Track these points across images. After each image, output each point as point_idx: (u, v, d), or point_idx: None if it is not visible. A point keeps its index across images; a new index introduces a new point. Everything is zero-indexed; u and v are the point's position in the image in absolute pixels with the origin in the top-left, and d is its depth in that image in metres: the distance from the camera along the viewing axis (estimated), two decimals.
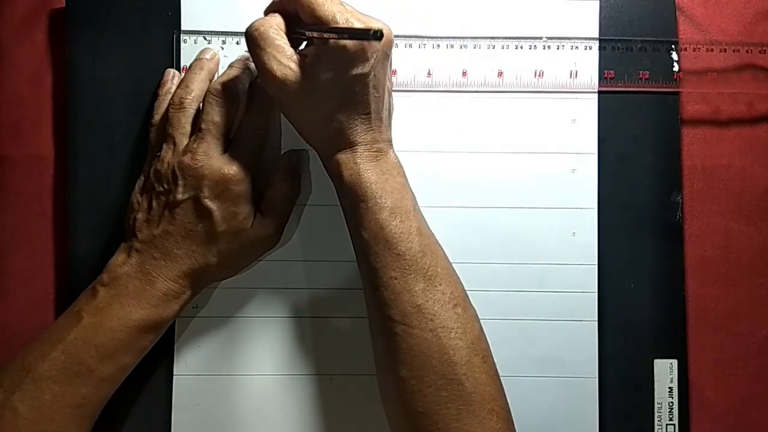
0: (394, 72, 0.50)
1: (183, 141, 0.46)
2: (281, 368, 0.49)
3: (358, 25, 0.41)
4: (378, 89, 0.43)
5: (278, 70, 0.42)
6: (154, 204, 0.45)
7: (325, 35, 0.41)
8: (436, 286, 0.43)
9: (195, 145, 0.45)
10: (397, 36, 0.49)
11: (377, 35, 0.39)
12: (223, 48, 0.49)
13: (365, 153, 0.44)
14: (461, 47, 0.50)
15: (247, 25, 0.44)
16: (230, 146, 0.46)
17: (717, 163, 0.51)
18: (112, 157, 0.49)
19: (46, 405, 0.42)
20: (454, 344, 0.42)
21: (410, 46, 0.50)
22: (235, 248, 0.46)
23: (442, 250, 0.45)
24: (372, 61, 0.42)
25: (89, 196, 0.49)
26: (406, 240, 0.43)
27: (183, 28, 0.49)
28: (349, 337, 0.49)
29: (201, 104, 0.46)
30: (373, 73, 0.42)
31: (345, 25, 0.41)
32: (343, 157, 0.44)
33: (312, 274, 0.49)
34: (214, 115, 0.45)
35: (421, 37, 0.50)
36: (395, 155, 0.45)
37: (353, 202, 0.43)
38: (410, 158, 0.50)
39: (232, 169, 0.45)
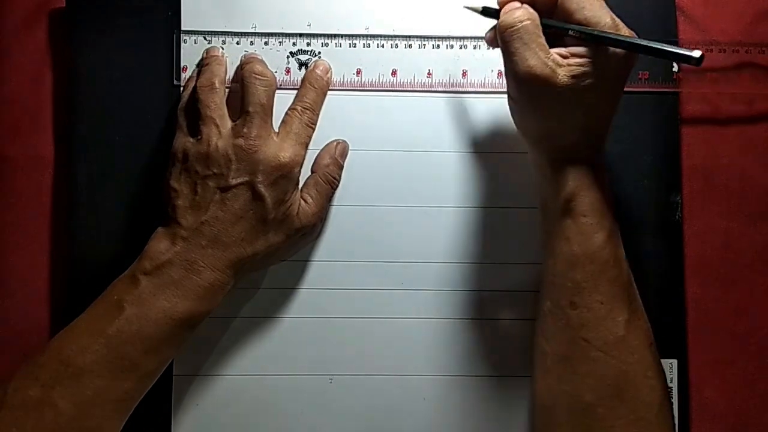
0: (394, 72, 0.50)
1: (226, 123, 0.45)
2: (281, 368, 0.49)
3: (625, 32, 0.41)
4: (617, 107, 0.43)
5: (540, 70, 0.40)
6: (199, 189, 0.44)
7: (614, 42, 0.40)
8: (637, 321, 0.43)
9: (246, 129, 0.44)
10: (397, 36, 0.50)
11: (701, 60, 0.38)
12: (223, 48, 0.49)
13: (596, 170, 0.43)
14: (461, 47, 0.50)
15: (504, 16, 0.42)
16: (281, 133, 0.46)
17: (717, 163, 0.51)
18: (112, 157, 0.49)
19: (87, 400, 0.40)
20: (651, 384, 0.42)
21: (410, 46, 0.50)
22: (281, 237, 0.45)
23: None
24: (627, 77, 0.42)
25: (89, 196, 0.49)
26: (619, 266, 0.43)
27: (183, 28, 0.49)
28: (351, 337, 0.49)
29: (230, 89, 0.47)
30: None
31: (615, 31, 0.40)
32: (572, 167, 0.43)
33: (312, 274, 0.49)
34: (261, 96, 0.45)
35: (421, 37, 0.50)
36: (610, 178, 0.44)
37: (571, 214, 0.42)
38: (412, 158, 0.50)
39: (286, 155, 0.44)
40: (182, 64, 0.49)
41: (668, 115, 0.51)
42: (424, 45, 0.50)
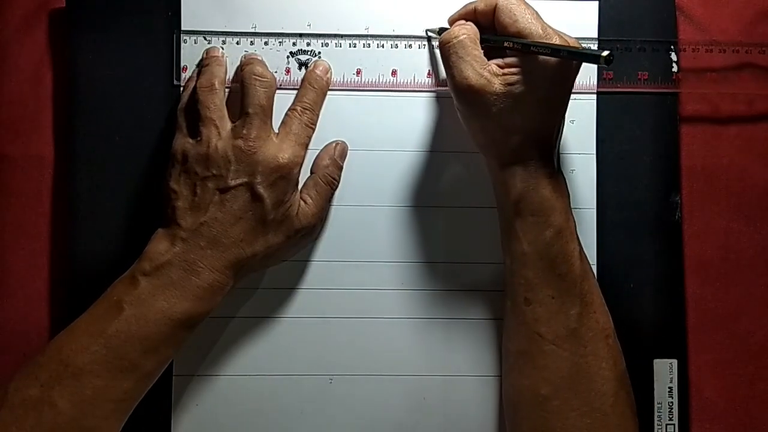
0: (394, 72, 0.50)
1: (225, 124, 0.45)
2: (281, 368, 0.49)
3: (556, 40, 0.42)
4: (562, 110, 0.44)
5: (475, 80, 0.43)
6: (199, 190, 0.44)
7: (540, 50, 0.42)
8: (590, 314, 0.44)
9: (245, 130, 0.44)
10: (397, 36, 0.50)
11: (609, 59, 0.39)
12: (223, 48, 0.49)
13: (542, 169, 0.44)
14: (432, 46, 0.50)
15: (443, 34, 0.45)
16: (280, 134, 0.46)
17: (717, 163, 0.51)
18: (112, 157, 0.49)
19: (86, 400, 0.40)
20: (605, 374, 0.43)
21: (410, 46, 0.50)
22: (280, 238, 0.45)
23: (595, 279, 0.46)
24: (571, 81, 0.43)
25: (89, 196, 0.49)
26: (569, 262, 0.44)
27: (183, 28, 0.49)
28: (351, 337, 0.49)
29: (230, 90, 0.47)
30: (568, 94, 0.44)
31: (546, 40, 0.42)
32: (519, 169, 0.44)
33: (312, 274, 0.49)
34: (261, 97, 0.45)
35: (421, 37, 0.50)
36: (563, 176, 0.46)
37: (521, 214, 0.44)
38: (412, 158, 0.50)
39: (285, 156, 0.44)
40: (182, 65, 0.49)
41: (668, 115, 0.51)
42: (424, 45, 0.50)
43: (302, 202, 0.46)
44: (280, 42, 0.49)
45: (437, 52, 0.49)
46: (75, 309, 0.44)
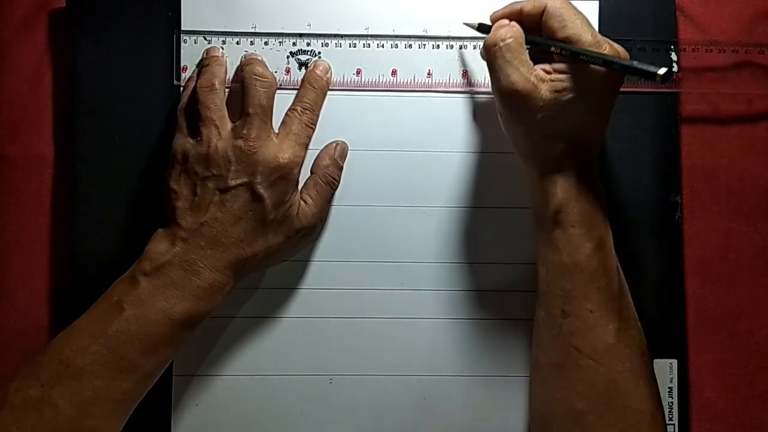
0: (394, 72, 0.50)
1: (225, 124, 0.45)
2: (281, 368, 0.49)
3: (606, 49, 0.42)
4: (606, 120, 0.44)
5: (522, 85, 0.42)
6: (199, 190, 0.44)
7: (591, 59, 0.41)
8: (628, 330, 0.43)
9: (246, 130, 0.44)
10: (397, 36, 0.50)
11: (666, 77, 0.39)
12: (223, 48, 0.49)
13: (583, 179, 0.43)
14: (461, 47, 0.50)
15: (490, 34, 0.44)
16: (280, 134, 0.46)
17: (717, 163, 0.51)
18: (112, 157, 0.49)
19: (86, 400, 0.40)
20: (642, 392, 0.42)
21: (410, 46, 0.50)
22: (281, 238, 0.45)
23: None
24: (617, 91, 0.43)
25: (89, 196, 0.49)
26: (608, 276, 0.43)
27: (183, 28, 0.49)
28: (351, 337, 0.49)
29: (230, 89, 0.47)
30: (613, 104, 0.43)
31: (596, 48, 0.41)
32: (560, 178, 0.43)
33: (312, 274, 0.49)
34: (261, 98, 0.45)
35: (421, 37, 0.50)
36: (602, 188, 0.45)
37: (561, 224, 0.43)
38: (412, 158, 0.50)
39: (286, 156, 0.44)
40: (182, 64, 0.49)
41: (668, 115, 0.51)
42: (424, 45, 0.50)
43: (302, 202, 0.46)
44: (280, 42, 0.49)
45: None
46: (75, 309, 0.44)
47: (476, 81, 0.50)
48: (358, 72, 0.50)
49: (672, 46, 0.50)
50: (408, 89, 0.50)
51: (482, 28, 0.47)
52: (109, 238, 0.49)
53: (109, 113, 0.49)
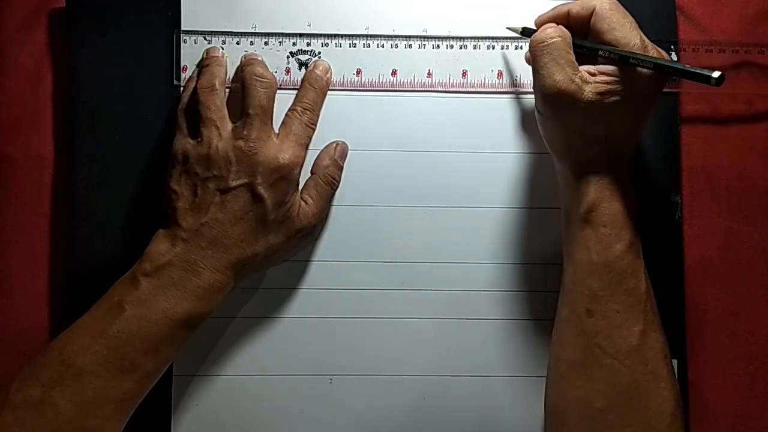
0: (394, 72, 0.50)
1: (226, 125, 0.45)
2: (281, 368, 0.49)
3: (653, 53, 0.42)
4: (646, 124, 0.44)
5: (566, 85, 0.42)
6: (200, 190, 0.44)
7: (641, 62, 0.41)
8: (652, 332, 0.43)
9: (246, 131, 0.44)
10: (397, 36, 0.50)
11: (720, 80, 0.39)
12: (223, 48, 0.49)
13: (617, 181, 0.44)
14: (461, 47, 0.50)
15: (537, 33, 0.44)
16: (280, 134, 0.46)
17: (717, 163, 0.51)
18: (112, 157, 0.49)
19: (87, 401, 0.41)
20: (663, 394, 0.42)
21: (410, 46, 0.50)
22: (281, 238, 0.45)
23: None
24: (657, 95, 0.43)
25: (89, 196, 0.49)
26: (637, 278, 0.43)
27: (183, 28, 0.49)
28: (351, 337, 0.49)
29: (230, 90, 0.47)
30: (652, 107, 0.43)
31: (644, 52, 0.42)
32: (594, 178, 0.43)
33: (312, 274, 0.49)
34: (261, 98, 0.45)
35: (421, 37, 0.50)
36: (633, 190, 0.45)
37: (592, 224, 0.43)
38: (412, 158, 0.50)
39: (286, 157, 0.44)
40: (182, 64, 0.49)
41: (668, 115, 0.51)
42: (424, 45, 0.50)
43: (303, 203, 0.46)
44: (280, 42, 0.49)
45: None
46: (75, 309, 0.44)
47: (476, 81, 0.50)
48: (358, 72, 0.50)
49: (672, 46, 0.50)
50: (408, 89, 0.50)
51: (526, 32, 0.47)
52: (109, 238, 0.49)
53: (109, 113, 0.49)
